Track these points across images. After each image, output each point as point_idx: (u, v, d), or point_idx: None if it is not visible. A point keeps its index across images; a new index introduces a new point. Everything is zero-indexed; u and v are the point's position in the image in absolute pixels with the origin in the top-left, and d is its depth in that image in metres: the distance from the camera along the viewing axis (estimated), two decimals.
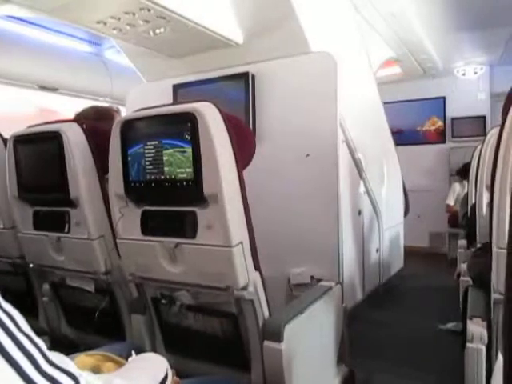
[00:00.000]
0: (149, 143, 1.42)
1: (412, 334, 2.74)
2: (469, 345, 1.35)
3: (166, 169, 1.40)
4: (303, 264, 2.44)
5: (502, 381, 0.70)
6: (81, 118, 2.10)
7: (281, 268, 2.45)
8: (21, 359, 0.56)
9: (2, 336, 0.55)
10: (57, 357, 0.64)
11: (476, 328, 1.35)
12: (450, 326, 2.70)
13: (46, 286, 2.01)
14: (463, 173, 4.96)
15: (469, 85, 5.45)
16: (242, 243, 1.37)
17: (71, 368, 0.65)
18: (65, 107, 4.00)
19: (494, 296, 1.28)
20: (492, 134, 2.16)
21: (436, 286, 3.85)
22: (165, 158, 1.40)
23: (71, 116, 2.25)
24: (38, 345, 0.60)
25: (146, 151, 1.43)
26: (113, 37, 2.45)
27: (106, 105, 3.28)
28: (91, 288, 1.85)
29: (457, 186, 5.09)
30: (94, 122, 1.96)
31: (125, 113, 2.87)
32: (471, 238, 2.62)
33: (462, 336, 1.64)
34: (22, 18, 3.42)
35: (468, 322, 1.40)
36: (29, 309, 2.04)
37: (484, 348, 1.33)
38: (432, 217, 5.36)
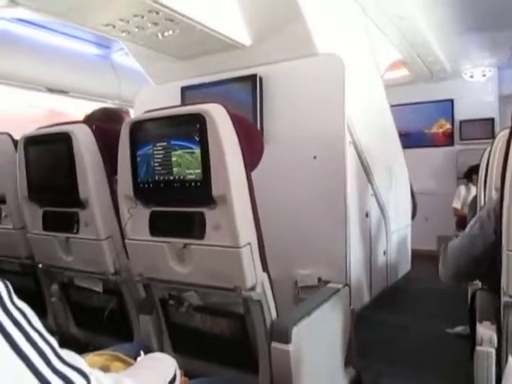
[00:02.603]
0: (158, 144, 1.43)
1: (419, 336, 2.72)
2: (478, 348, 1.34)
3: (174, 170, 1.41)
4: (310, 266, 2.43)
5: None
6: (90, 120, 2.11)
7: (288, 270, 2.45)
8: (32, 355, 0.57)
9: (15, 332, 0.56)
10: (68, 354, 0.64)
11: (486, 331, 1.34)
12: (458, 329, 2.68)
13: (55, 287, 2.03)
14: (468, 175, 4.94)
15: (477, 87, 5.42)
16: (250, 244, 1.37)
17: (82, 366, 0.65)
18: (74, 109, 4.03)
19: (504, 299, 1.27)
20: (501, 137, 2.14)
21: (443, 289, 3.79)
22: (173, 159, 1.40)
23: (80, 118, 2.27)
24: (49, 342, 0.61)
25: (155, 152, 1.44)
26: (121, 39, 2.47)
27: (114, 107, 3.31)
28: (99, 288, 1.86)
29: (462, 189, 5.05)
30: (104, 124, 1.98)
31: (133, 115, 2.89)
32: None
33: (469, 339, 1.63)
34: (31, 21, 3.46)
35: (477, 325, 1.39)
36: (37, 309, 2.01)
37: (494, 351, 1.32)
38: (440, 220, 5.32)
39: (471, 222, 1.53)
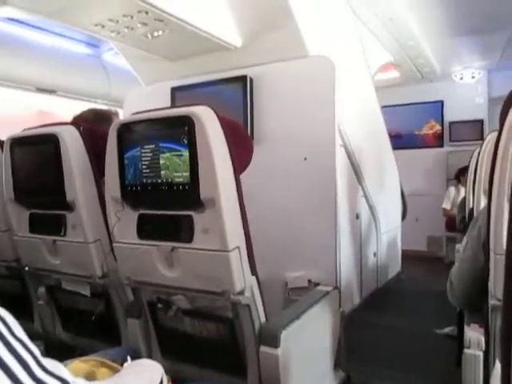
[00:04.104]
0: (146, 146, 1.42)
1: (409, 338, 2.73)
2: (466, 351, 1.35)
3: (162, 172, 1.40)
4: (301, 268, 2.43)
5: None
6: (79, 121, 2.09)
7: (278, 271, 2.44)
8: (14, 365, 0.56)
9: None
10: (50, 363, 0.63)
11: (474, 334, 1.34)
12: (447, 330, 2.69)
13: (42, 290, 2.00)
14: (458, 177, 5.00)
15: (466, 89, 5.47)
16: (238, 248, 1.36)
17: (65, 374, 0.64)
18: (62, 109, 3.99)
19: (492, 302, 1.28)
20: (490, 139, 2.16)
21: (433, 290, 3.82)
22: (161, 162, 1.39)
23: (69, 118, 2.25)
24: (31, 350, 0.60)
25: (143, 154, 1.43)
26: (111, 39, 2.45)
27: (104, 107, 3.28)
28: (87, 292, 1.84)
29: (452, 190, 5.10)
30: (92, 125, 1.95)
31: (123, 115, 2.87)
32: None
33: (458, 341, 1.64)
34: (20, 20, 3.41)
35: (466, 327, 1.40)
36: (24, 312, 2.03)
37: (482, 354, 1.32)
38: (430, 221, 5.37)
39: (463, 243, 1.52)
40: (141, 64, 2.96)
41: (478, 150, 2.52)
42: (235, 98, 2.53)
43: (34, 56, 3.59)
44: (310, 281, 2.41)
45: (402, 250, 4.22)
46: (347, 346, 1.90)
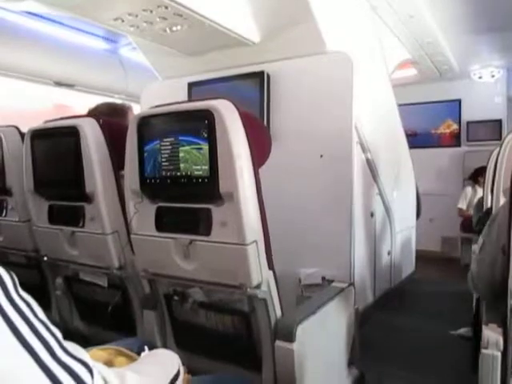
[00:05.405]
0: (165, 140, 1.43)
1: (423, 338, 2.70)
2: (484, 351, 1.33)
3: (181, 165, 1.40)
4: (315, 264, 2.42)
5: None
6: (94, 114, 2.11)
7: (292, 268, 2.44)
8: (37, 345, 0.56)
9: (19, 322, 0.56)
10: (71, 346, 0.64)
11: (492, 334, 1.33)
12: (461, 331, 2.66)
13: (60, 280, 2.03)
14: (475, 177, 4.93)
15: (485, 88, 5.37)
16: (256, 242, 1.36)
17: (86, 357, 0.65)
18: (77, 103, 4.03)
19: (511, 302, 1.26)
20: (510, 138, 2.13)
21: (447, 290, 3.80)
22: (181, 155, 1.40)
23: (85, 112, 2.27)
24: (54, 333, 0.61)
25: (163, 147, 1.44)
26: (130, 34, 2.46)
27: (119, 101, 3.31)
28: (104, 283, 1.86)
29: (469, 191, 5.03)
30: (110, 118, 1.97)
31: (139, 110, 2.89)
32: None
33: (473, 342, 1.62)
34: (39, 14, 3.45)
35: (483, 327, 1.38)
36: (41, 302, 2.03)
37: (500, 354, 1.31)
38: (444, 221, 5.30)
39: (479, 242, 1.50)
40: (158, 59, 2.97)
41: (497, 150, 2.48)
42: (252, 94, 2.52)
43: (52, 50, 3.64)
44: (323, 278, 2.40)
45: (416, 250, 4.19)
46: (361, 344, 1.89)
